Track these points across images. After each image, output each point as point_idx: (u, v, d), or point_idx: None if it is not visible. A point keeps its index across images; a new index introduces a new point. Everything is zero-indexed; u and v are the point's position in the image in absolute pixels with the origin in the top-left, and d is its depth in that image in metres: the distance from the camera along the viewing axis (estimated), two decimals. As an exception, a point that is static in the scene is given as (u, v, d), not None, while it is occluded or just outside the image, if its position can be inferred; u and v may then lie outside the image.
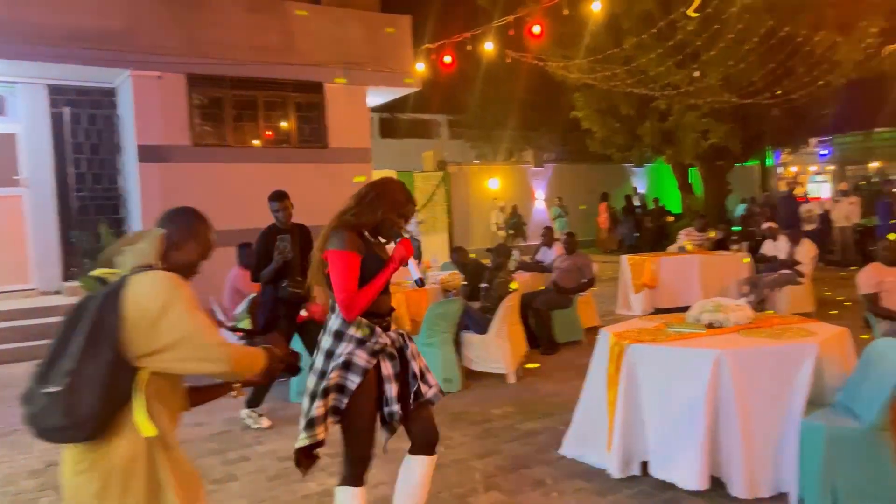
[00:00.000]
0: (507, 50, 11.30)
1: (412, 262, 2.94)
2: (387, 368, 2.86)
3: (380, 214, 2.90)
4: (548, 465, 4.30)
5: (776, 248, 9.58)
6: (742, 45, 12.19)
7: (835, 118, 17.10)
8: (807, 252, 8.93)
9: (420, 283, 3.00)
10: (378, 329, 2.87)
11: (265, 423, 5.37)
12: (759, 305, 8.06)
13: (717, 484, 3.58)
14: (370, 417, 2.88)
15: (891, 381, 3.31)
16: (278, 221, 5.26)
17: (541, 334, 7.51)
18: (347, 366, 2.78)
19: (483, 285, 6.61)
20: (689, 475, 3.51)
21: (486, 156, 23.65)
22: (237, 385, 2.26)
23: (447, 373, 6.03)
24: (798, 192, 18.28)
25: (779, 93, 12.87)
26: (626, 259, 9.83)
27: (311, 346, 5.22)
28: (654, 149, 16.94)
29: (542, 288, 8.17)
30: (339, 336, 2.83)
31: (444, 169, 19.00)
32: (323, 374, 2.82)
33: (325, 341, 2.88)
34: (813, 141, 21.99)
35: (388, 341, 2.89)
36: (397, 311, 6.33)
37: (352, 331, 2.81)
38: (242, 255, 7.27)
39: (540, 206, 21.95)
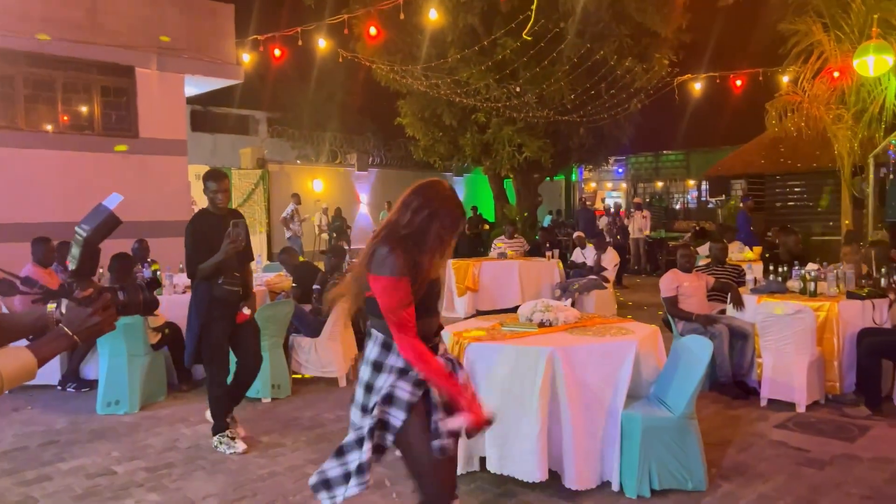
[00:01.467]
0: (340, 50, 11.17)
1: None
2: (436, 395, 2.60)
3: (436, 237, 2.49)
4: (385, 466, 4.25)
5: (584, 255, 10.42)
6: (561, 66, 13.09)
7: (630, 140, 18.93)
8: (611, 260, 9.78)
9: None
10: None
11: (241, 445, 4.54)
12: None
13: (553, 476, 3.76)
14: (430, 455, 2.54)
15: (697, 375, 3.71)
16: (213, 206, 4.48)
17: (370, 337, 7.47)
18: (389, 400, 2.48)
19: (316, 287, 6.45)
20: (528, 468, 3.65)
21: (308, 156, 23.19)
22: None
23: (276, 378, 5.80)
24: (596, 205, 20.07)
25: (587, 113, 14.03)
26: (450, 264, 10.16)
27: (245, 352, 4.67)
28: (474, 159, 17.63)
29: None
30: (377, 367, 2.53)
31: (264, 167, 18.34)
32: (365, 409, 2.53)
33: (364, 372, 2.57)
34: (611, 159, 24.20)
35: None
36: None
37: (391, 360, 2.52)
38: (38, 251, 6.50)
39: (364, 209, 21.92)
